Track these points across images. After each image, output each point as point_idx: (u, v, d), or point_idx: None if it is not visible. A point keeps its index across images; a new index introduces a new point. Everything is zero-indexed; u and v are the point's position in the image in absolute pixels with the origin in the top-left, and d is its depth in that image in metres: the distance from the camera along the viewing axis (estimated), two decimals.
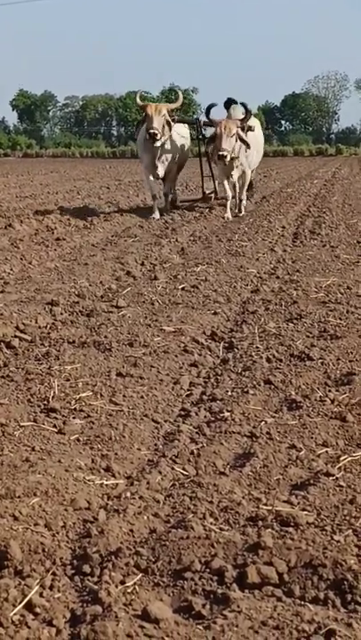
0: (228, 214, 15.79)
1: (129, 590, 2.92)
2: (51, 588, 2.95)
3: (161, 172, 16.09)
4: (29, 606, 2.81)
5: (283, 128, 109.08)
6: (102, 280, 8.93)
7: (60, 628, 2.73)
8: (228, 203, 16.11)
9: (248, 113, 15.71)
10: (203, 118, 17.19)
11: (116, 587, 2.92)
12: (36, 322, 6.92)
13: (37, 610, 2.80)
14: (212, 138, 15.70)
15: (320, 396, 4.91)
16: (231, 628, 2.66)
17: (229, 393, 5.12)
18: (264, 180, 30.18)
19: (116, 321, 6.89)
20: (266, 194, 22.27)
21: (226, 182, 15.93)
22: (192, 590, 2.92)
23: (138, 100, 16.56)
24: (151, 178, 16.26)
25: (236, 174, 15.82)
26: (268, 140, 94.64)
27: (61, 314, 7.32)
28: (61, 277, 9.08)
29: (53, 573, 3.04)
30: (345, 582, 2.89)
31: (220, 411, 4.77)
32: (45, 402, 4.89)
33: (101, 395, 5.03)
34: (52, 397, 4.95)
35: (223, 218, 15.64)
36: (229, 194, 16.10)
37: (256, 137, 16.88)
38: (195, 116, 20.65)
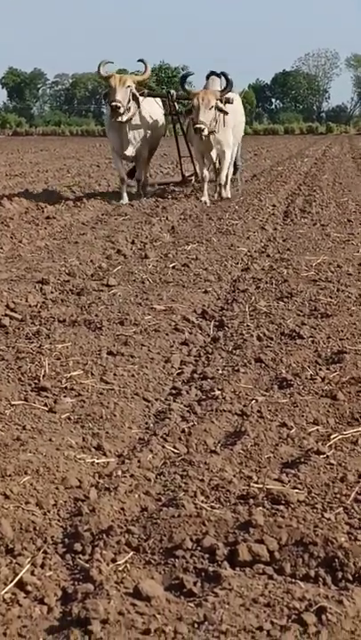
0: (206, 198, 14.42)
1: (120, 568, 2.92)
2: (42, 566, 2.96)
3: (130, 151, 14.73)
4: (21, 585, 2.82)
5: (273, 106, 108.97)
6: (93, 259, 8.90)
7: (51, 606, 2.73)
8: (205, 185, 14.69)
9: (228, 84, 14.12)
10: (175, 92, 15.79)
11: (108, 565, 2.93)
12: (27, 300, 6.90)
13: (29, 588, 2.81)
14: (188, 111, 14.49)
15: (311, 375, 4.92)
16: (222, 605, 2.67)
17: (220, 371, 5.12)
18: (254, 158, 30.17)
19: (107, 300, 6.88)
20: (256, 172, 22.24)
21: (204, 166, 14.84)
22: (183, 568, 2.93)
23: (101, 70, 14.45)
24: (121, 163, 15.13)
25: (214, 153, 14.59)
26: (259, 117, 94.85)
27: (52, 292, 7.30)
28: (52, 256, 9.06)
29: (45, 552, 3.05)
30: (336, 560, 2.90)
31: (211, 389, 4.77)
32: (36, 380, 4.88)
33: (92, 373, 5.03)
34: (43, 376, 4.94)
35: (201, 201, 14.32)
36: (206, 175, 14.83)
37: (236, 111, 15.20)
38: (167, 90, 17.52)
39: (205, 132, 13.67)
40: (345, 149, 36.82)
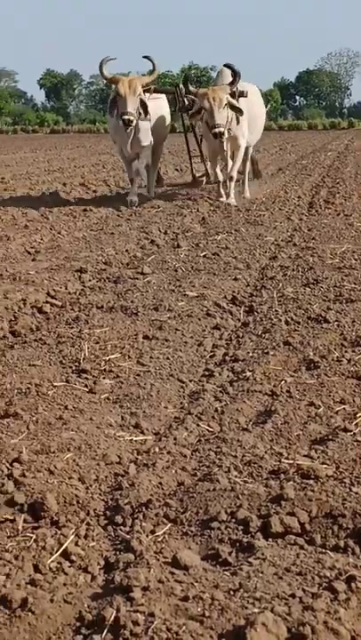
0: (225, 198, 12.95)
1: (159, 539, 2.93)
2: (85, 537, 2.97)
3: (136, 153, 12.94)
4: (65, 554, 2.83)
5: (297, 103, 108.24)
6: (128, 248, 8.91)
7: (94, 575, 2.75)
8: (221, 186, 13.20)
9: (236, 75, 12.27)
10: (184, 87, 13.59)
11: (147, 536, 2.94)
12: (66, 288, 6.92)
13: (73, 558, 2.82)
14: (197, 111, 12.52)
15: (337, 357, 4.90)
16: (256, 574, 2.67)
17: (250, 354, 5.10)
18: (280, 152, 30.03)
19: (142, 287, 6.88)
20: (282, 165, 22.14)
21: (218, 165, 13.06)
22: (219, 539, 2.93)
23: (104, 71, 12.51)
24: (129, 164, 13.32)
25: (228, 150, 12.77)
26: (284, 114, 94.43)
27: (90, 280, 7.32)
28: (89, 246, 9.08)
29: (87, 523, 3.06)
30: None
31: (242, 371, 4.77)
32: (77, 363, 4.89)
33: (129, 356, 5.03)
34: (83, 359, 4.95)
35: (220, 202, 12.77)
36: (220, 175, 13.14)
37: (251, 104, 13.31)
38: (175, 84, 14.68)
39: (226, 135, 12.14)
40: None
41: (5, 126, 77.13)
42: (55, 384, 4.54)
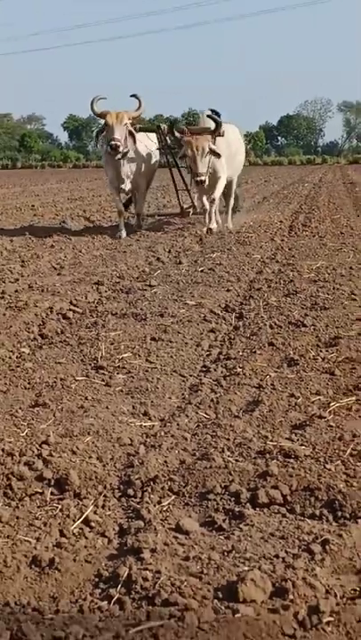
0: (213, 224, 12.09)
1: (164, 509, 2.93)
2: (103, 507, 2.97)
3: (127, 185, 12.09)
4: (86, 521, 2.83)
5: (279, 143, 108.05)
6: (137, 264, 8.90)
7: (110, 539, 2.75)
8: (206, 213, 12.23)
9: (218, 126, 11.48)
10: (166, 126, 12.77)
11: (154, 506, 2.94)
12: (86, 298, 6.92)
13: (93, 524, 2.82)
14: (182, 156, 11.81)
15: (313, 355, 4.89)
16: (246, 538, 2.67)
17: (240, 353, 5.10)
18: (265, 184, 30.02)
19: (150, 297, 6.88)
20: (266, 195, 22.16)
21: (204, 197, 12.09)
22: (215, 508, 2.93)
23: (95, 107, 11.63)
24: (119, 197, 12.55)
25: (217, 190, 12.04)
26: (268, 152, 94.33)
27: (106, 291, 7.32)
28: (105, 263, 9.07)
29: (104, 496, 3.06)
30: (336, 502, 2.89)
31: (234, 367, 4.76)
32: (95, 361, 4.89)
33: (139, 355, 5.03)
34: (100, 357, 4.95)
35: (206, 232, 11.78)
36: (206, 204, 12.15)
37: (230, 142, 12.40)
38: (157, 124, 13.66)
39: (207, 182, 11.43)
40: (337, 176, 36.54)
41: (35, 162, 77.24)
42: (77, 378, 4.54)
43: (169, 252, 10.07)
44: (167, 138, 12.69)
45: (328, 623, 2.18)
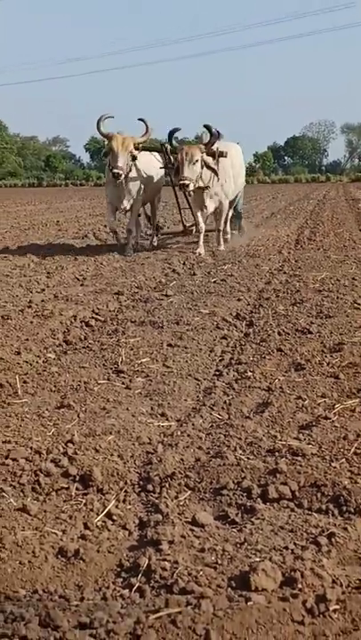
0: (201, 249, 11.05)
1: (181, 503, 2.93)
2: (124, 501, 2.97)
3: (126, 204, 11.27)
4: (109, 515, 2.83)
5: (286, 162, 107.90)
6: (155, 276, 8.91)
7: (131, 531, 2.75)
8: (201, 236, 11.31)
9: (212, 137, 10.61)
10: (170, 145, 11.46)
11: (172, 500, 2.93)
12: (107, 307, 6.93)
13: (114, 518, 2.82)
14: (176, 168, 10.81)
15: (319, 360, 4.88)
16: (257, 530, 2.66)
17: (251, 358, 5.09)
18: (272, 200, 30.01)
19: (166, 306, 6.89)
20: (274, 210, 22.14)
21: (199, 214, 11.25)
22: (228, 503, 2.92)
23: (101, 127, 10.77)
24: (113, 216, 11.70)
25: (210, 206, 11.16)
26: (275, 171, 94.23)
27: (125, 301, 7.33)
28: (125, 274, 9.09)
29: (125, 491, 3.06)
30: (341, 497, 2.88)
31: (245, 371, 4.76)
32: (115, 365, 4.90)
33: (157, 360, 5.03)
34: (121, 362, 4.96)
35: (194, 253, 10.89)
36: (202, 226, 11.34)
37: (231, 164, 11.57)
38: (160, 143, 12.20)
39: (191, 187, 10.41)
40: (340, 193, 36.47)
41: (59, 181, 77.53)
42: (99, 382, 4.55)
43: (184, 264, 10.08)
44: (171, 157, 11.65)
45: (335, 611, 2.17)
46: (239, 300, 7.26)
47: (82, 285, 8.29)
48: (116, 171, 10.50)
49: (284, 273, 8.97)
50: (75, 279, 8.79)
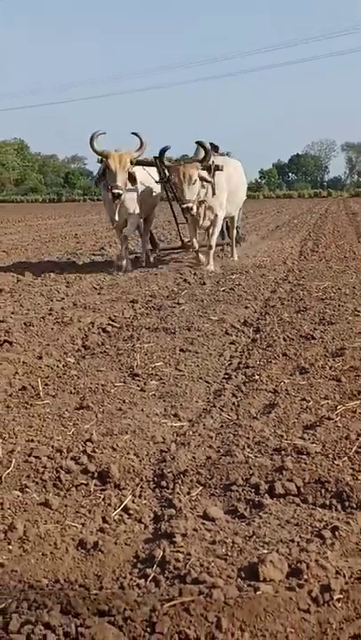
0: (211, 266, 10.36)
1: (193, 498, 2.92)
2: (139, 496, 2.97)
3: (122, 220, 10.29)
4: (125, 509, 2.83)
5: (290, 178, 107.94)
6: (167, 285, 8.92)
7: (146, 525, 2.74)
8: (211, 252, 10.57)
9: (207, 153, 9.71)
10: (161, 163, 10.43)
11: (185, 496, 2.93)
12: (123, 314, 6.94)
13: (131, 512, 2.82)
14: (175, 184, 9.94)
15: (322, 364, 4.87)
16: (265, 524, 2.66)
17: (258, 362, 5.09)
18: (277, 214, 30.00)
19: (178, 313, 6.89)
20: (279, 224, 22.13)
21: (195, 234, 10.60)
22: (237, 498, 2.92)
23: (95, 144, 9.77)
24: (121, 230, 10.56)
25: (205, 219, 10.33)
26: (280, 186, 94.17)
27: (140, 308, 7.33)
28: (139, 283, 9.10)
29: (141, 487, 3.06)
30: (344, 493, 2.87)
31: (252, 375, 4.75)
32: (131, 369, 4.90)
33: (170, 364, 5.04)
34: (136, 366, 4.96)
35: (200, 268, 10.23)
36: (196, 245, 10.72)
37: (230, 177, 10.67)
38: (153, 157, 10.62)
39: (194, 210, 9.77)
40: (341, 208, 36.42)
41: (77, 196, 77.74)
42: (116, 384, 4.55)
43: (194, 274, 10.07)
44: (165, 170, 10.40)
45: (338, 600, 2.17)
46: (247, 307, 7.25)
47: (99, 294, 8.30)
48: (116, 191, 9.64)
49: (289, 282, 8.96)
50: (92, 288, 8.81)
